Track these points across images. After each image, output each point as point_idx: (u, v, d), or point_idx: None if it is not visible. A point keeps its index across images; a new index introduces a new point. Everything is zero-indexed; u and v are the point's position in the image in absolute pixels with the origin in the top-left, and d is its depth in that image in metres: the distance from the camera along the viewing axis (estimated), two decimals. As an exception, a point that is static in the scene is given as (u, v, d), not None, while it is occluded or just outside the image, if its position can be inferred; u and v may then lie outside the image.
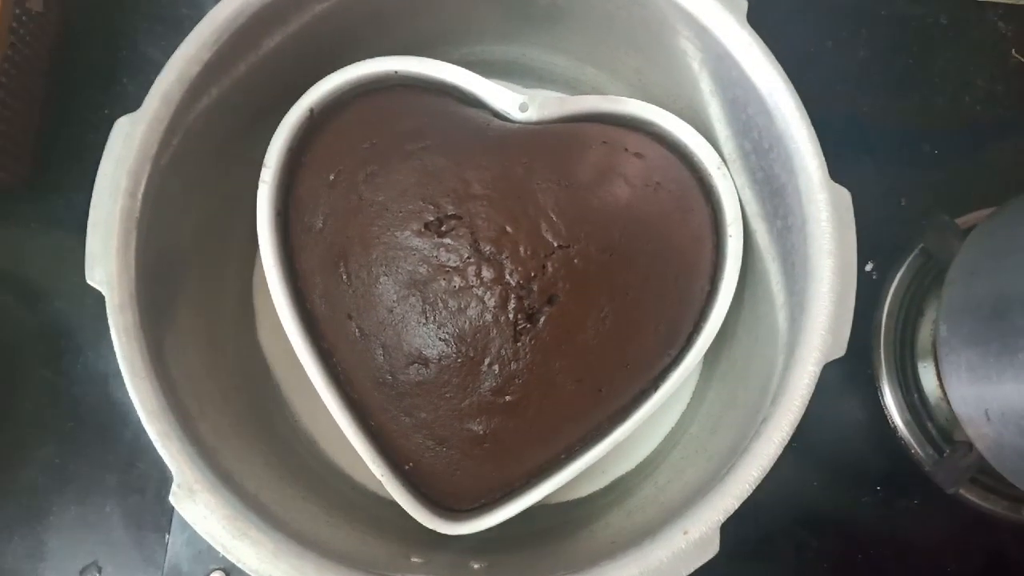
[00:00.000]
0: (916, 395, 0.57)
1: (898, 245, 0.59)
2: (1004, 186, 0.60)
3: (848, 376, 0.58)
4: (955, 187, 0.61)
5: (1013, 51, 0.63)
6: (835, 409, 0.58)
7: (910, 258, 0.59)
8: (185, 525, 0.49)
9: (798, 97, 0.40)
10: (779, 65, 0.40)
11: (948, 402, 0.52)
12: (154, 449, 0.37)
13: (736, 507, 0.36)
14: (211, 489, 0.36)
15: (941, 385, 0.54)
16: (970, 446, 0.53)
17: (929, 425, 0.57)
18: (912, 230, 0.59)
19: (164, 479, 0.55)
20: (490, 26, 0.51)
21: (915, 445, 0.56)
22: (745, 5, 0.41)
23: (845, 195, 0.39)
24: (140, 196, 0.39)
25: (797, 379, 0.37)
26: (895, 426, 0.57)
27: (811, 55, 0.63)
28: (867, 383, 0.58)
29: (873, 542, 0.56)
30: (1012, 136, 0.62)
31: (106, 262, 0.38)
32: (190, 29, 0.41)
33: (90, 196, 0.40)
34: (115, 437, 0.56)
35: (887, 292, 0.58)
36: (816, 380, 0.37)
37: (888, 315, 0.58)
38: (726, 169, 0.46)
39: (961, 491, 0.55)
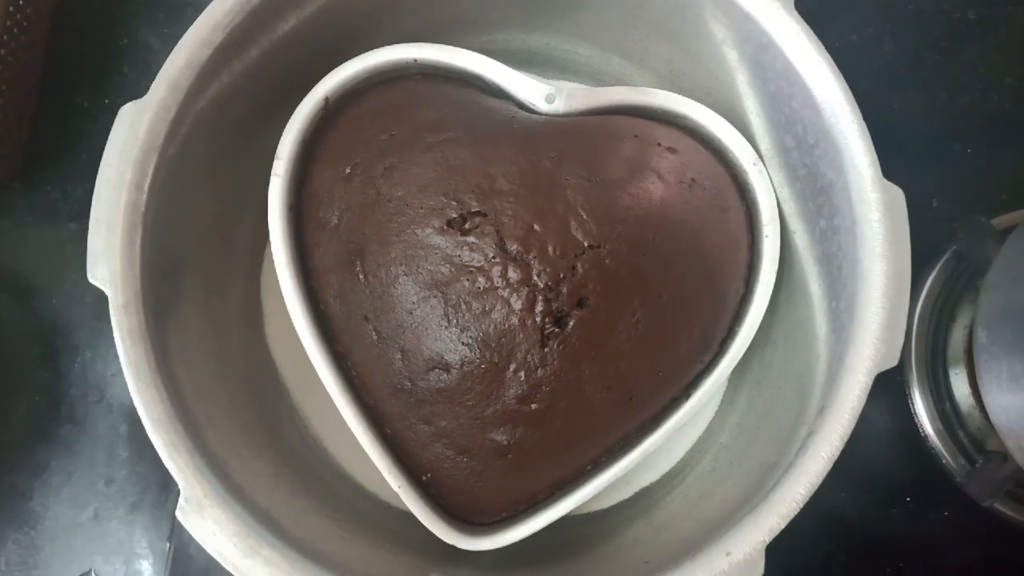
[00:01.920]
0: (948, 403, 0.55)
1: (929, 248, 0.57)
2: (1039, 186, 0.58)
3: (878, 383, 0.55)
4: (988, 187, 0.59)
5: (1042, 48, 0.61)
6: (864, 417, 0.54)
7: (941, 261, 0.56)
8: (187, 532, 0.48)
9: (849, 91, 0.37)
10: (830, 57, 0.38)
11: (981, 410, 0.50)
12: (154, 453, 0.35)
13: (783, 527, 0.34)
14: (221, 504, 0.34)
15: (974, 393, 0.53)
16: (1004, 456, 0.51)
17: (961, 434, 0.55)
18: (944, 232, 0.57)
19: (165, 485, 0.54)
20: (512, 12, 0.49)
21: (946, 455, 0.54)
22: (794, -9, 0.39)
23: (898, 195, 0.37)
24: (146, 188, 0.37)
25: (847, 390, 0.35)
26: (926, 435, 0.55)
27: (836, 51, 0.61)
28: (897, 390, 0.56)
29: (903, 555, 0.54)
30: (1042, 136, 0.60)
31: (109, 259, 0.36)
32: (191, 16, 0.38)
33: (88, 188, 0.37)
34: (113, 440, 0.54)
35: (918, 296, 0.56)
36: (867, 392, 0.35)
37: (919, 320, 0.56)
38: (762, 166, 0.44)
39: (995, 504, 0.53)
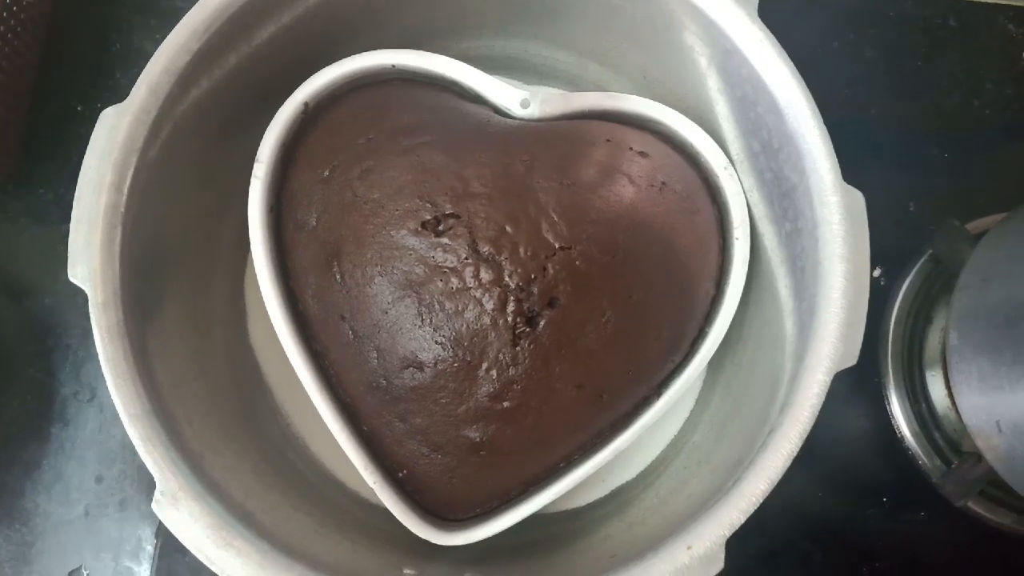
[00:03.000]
0: (924, 404, 0.56)
1: (906, 251, 0.58)
2: (1015, 190, 0.59)
3: (855, 384, 0.57)
4: (964, 192, 0.60)
5: (1023, 54, 0.62)
6: (841, 418, 0.56)
7: (918, 264, 0.57)
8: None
9: (811, 96, 0.38)
10: (791, 62, 0.38)
11: (957, 412, 0.50)
12: (144, 452, 0.36)
13: (742, 521, 0.35)
14: (196, 497, 0.35)
15: (950, 395, 0.53)
16: (979, 457, 0.51)
17: (937, 435, 0.55)
18: (921, 235, 0.58)
19: (153, 482, 0.54)
20: (490, 19, 0.50)
21: (922, 456, 0.55)
22: (756, -1, 0.39)
23: (858, 198, 0.38)
24: (125, 190, 0.38)
25: (806, 388, 0.36)
26: (902, 436, 0.56)
27: (817, 56, 0.62)
28: (874, 392, 0.56)
29: (879, 555, 0.55)
30: (1022, 140, 0.61)
31: (89, 258, 0.37)
32: (183, 21, 0.39)
33: (80, 191, 0.38)
34: (105, 438, 0.54)
35: (895, 299, 0.57)
36: (826, 390, 0.36)
37: (896, 322, 0.57)
38: (733, 170, 0.45)
39: (969, 504, 0.53)
